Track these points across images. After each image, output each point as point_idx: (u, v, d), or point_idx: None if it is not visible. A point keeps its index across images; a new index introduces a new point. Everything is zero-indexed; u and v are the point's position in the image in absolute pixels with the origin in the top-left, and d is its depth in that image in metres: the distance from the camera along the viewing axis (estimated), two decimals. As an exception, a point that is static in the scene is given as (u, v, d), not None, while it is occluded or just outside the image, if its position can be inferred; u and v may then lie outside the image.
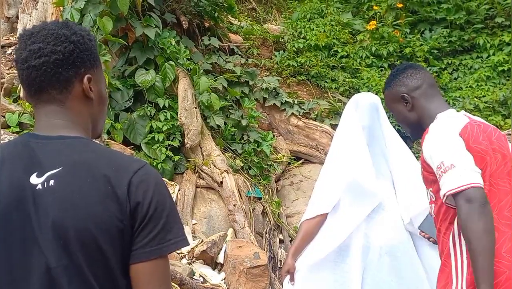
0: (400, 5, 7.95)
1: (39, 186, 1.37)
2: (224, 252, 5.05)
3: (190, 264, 4.90)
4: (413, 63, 2.60)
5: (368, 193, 3.00)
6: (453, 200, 2.16)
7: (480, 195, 2.09)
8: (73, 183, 1.37)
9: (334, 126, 6.73)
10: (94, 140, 1.56)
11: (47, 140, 1.44)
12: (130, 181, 1.37)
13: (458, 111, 2.45)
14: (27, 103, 5.42)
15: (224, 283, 4.83)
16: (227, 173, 5.62)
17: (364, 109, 3.13)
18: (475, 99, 6.90)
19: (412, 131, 2.54)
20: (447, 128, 2.28)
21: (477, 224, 2.06)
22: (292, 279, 3.01)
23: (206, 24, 7.26)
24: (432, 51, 7.59)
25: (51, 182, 1.37)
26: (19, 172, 1.40)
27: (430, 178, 2.31)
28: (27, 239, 1.36)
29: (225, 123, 6.24)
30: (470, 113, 6.74)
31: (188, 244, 1.43)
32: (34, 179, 1.38)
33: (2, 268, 1.38)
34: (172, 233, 1.40)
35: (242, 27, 7.99)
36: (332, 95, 7.23)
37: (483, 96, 6.93)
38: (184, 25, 6.63)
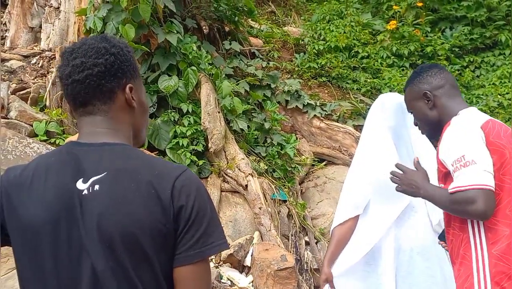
0: (420, 4, 7.93)
1: (85, 191, 1.41)
2: (251, 255, 5.06)
3: (217, 267, 4.93)
4: (437, 64, 2.62)
5: (398, 194, 2.98)
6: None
7: (491, 203, 2.15)
8: (118, 188, 1.40)
9: (357, 127, 6.72)
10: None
11: (90, 147, 1.48)
12: (173, 185, 1.41)
13: (481, 110, 2.47)
14: (53, 112, 5.51)
15: (252, 286, 4.84)
16: (252, 176, 5.64)
17: (390, 110, 3.11)
18: (498, 96, 6.84)
19: (430, 130, 2.56)
20: (470, 122, 2.32)
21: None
22: (332, 287, 2.99)
23: (227, 29, 7.30)
24: (453, 49, 7.56)
25: (96, 187, 1.41)
26: (66, 178, 1.43)
27: (443, 171, 2.35)
28: (75, 244, 1.40)
29: (248, 126, 6.27)
30: (494, 110, 6.66)
31: (228, 247, 1.47)
32: (80, 185, 1.42)
33: (51, 272, 1.41)
34: (214, 236, 1.44)
35: (262, 31, 8.02)
36: (354, 96, 7.22)
37: (507, 93, 6.87)
38: (204, 30, 6.68)
